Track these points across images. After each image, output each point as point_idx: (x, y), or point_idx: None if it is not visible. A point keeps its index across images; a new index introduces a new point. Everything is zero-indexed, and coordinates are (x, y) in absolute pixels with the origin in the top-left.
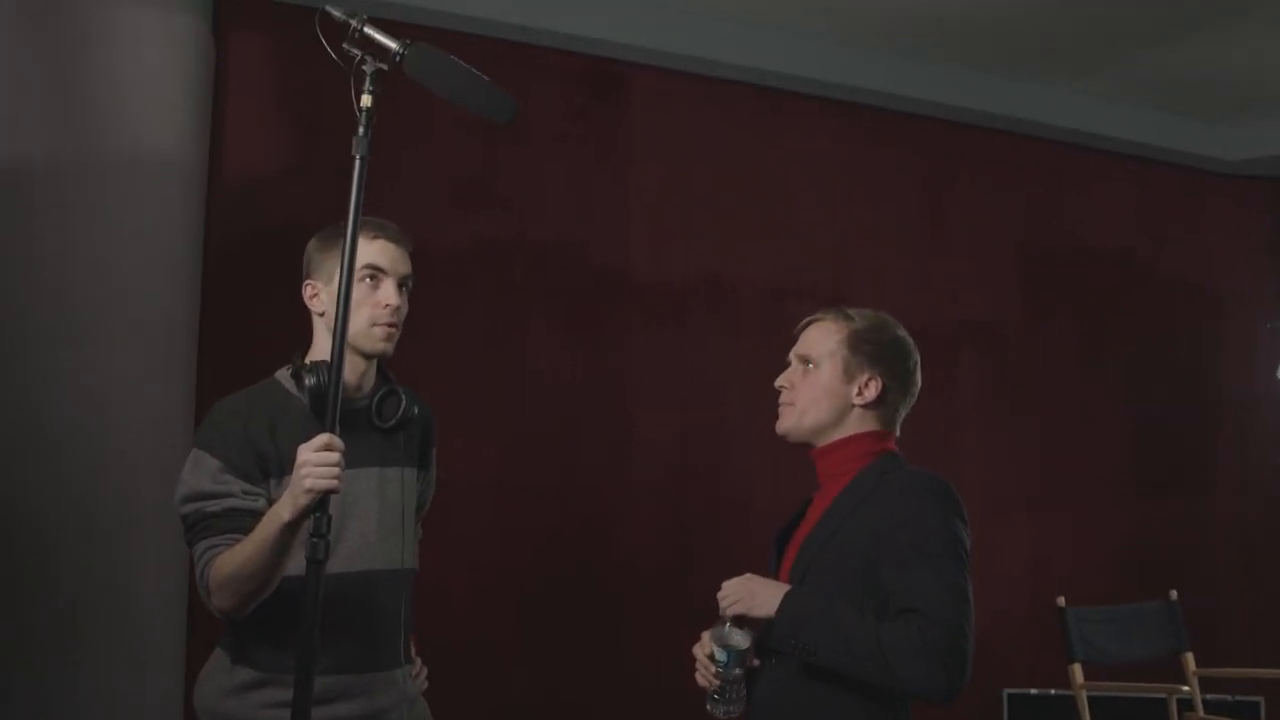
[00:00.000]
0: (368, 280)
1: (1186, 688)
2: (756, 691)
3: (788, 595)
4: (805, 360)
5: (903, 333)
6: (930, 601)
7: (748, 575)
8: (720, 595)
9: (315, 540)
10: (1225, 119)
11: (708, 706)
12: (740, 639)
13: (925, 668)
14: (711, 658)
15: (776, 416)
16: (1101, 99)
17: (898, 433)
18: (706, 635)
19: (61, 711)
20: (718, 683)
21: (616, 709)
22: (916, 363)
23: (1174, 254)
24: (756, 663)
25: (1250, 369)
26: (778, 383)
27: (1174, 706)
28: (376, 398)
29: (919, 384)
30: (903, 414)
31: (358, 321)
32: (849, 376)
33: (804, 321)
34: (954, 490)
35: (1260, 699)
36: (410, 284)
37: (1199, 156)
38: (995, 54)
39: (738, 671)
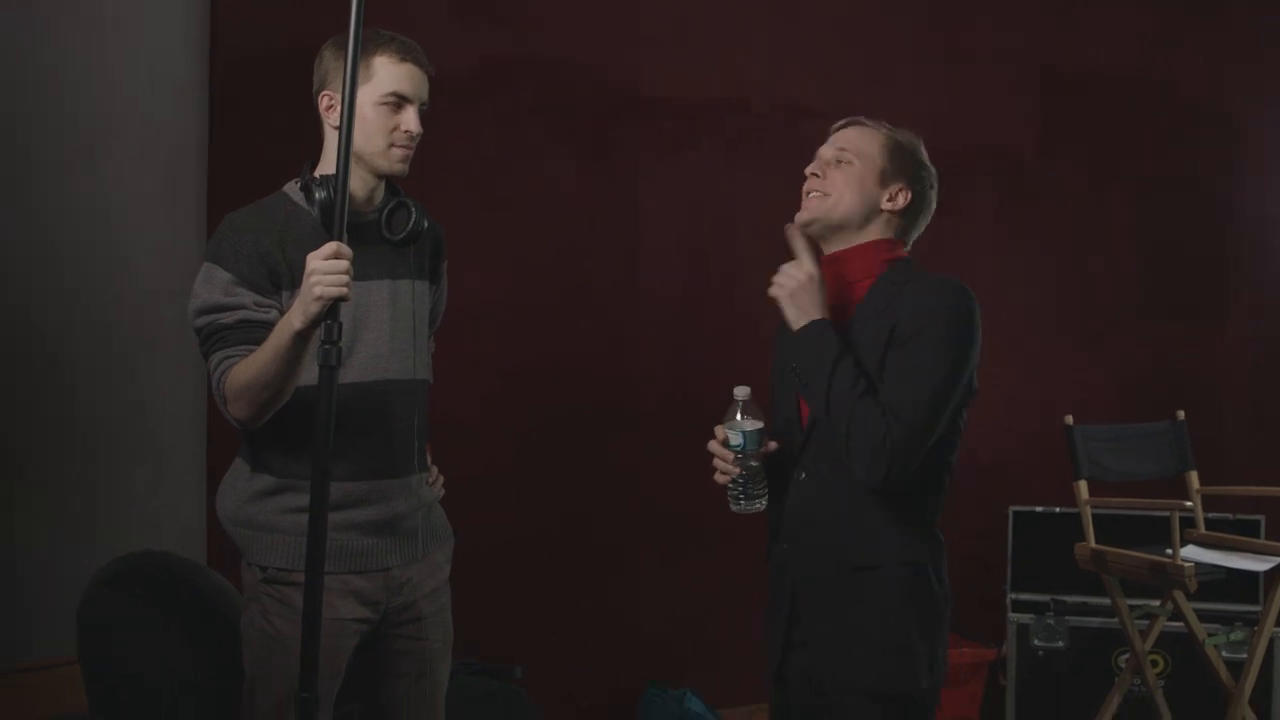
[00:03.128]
0: (391, 105)
1: (1189, 504)
2: (788, 512)
3: (815, 321)
4: (841, 154)
5: (930, 162)
6: (906, 403)
7: (809, 277)
8: (778, 279)
9: (327, 347)
10: None
11: (731, 505)
12: (752, 421)
13: (871, 459)
14: (727, 444)
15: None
16: None
17: (909, 247)
18: (719, 428)
19: (84, 527)
20: (738, 471)
21: (626, 529)
22: (937, 192)
23: (1191, 73)
24: (773, 445)
25: (1265, 192)
26: (810, 169)
27: (1176, 523)
28: (386, 211)
29: (933, 213)
30: (914, 236)
31: (376, 143)
32: (883, 181)
33: (843, 120)
34: (972, 295)
35: (1261, 517)
36: (426, 107)
37: None
38: None
39: (754, 463)
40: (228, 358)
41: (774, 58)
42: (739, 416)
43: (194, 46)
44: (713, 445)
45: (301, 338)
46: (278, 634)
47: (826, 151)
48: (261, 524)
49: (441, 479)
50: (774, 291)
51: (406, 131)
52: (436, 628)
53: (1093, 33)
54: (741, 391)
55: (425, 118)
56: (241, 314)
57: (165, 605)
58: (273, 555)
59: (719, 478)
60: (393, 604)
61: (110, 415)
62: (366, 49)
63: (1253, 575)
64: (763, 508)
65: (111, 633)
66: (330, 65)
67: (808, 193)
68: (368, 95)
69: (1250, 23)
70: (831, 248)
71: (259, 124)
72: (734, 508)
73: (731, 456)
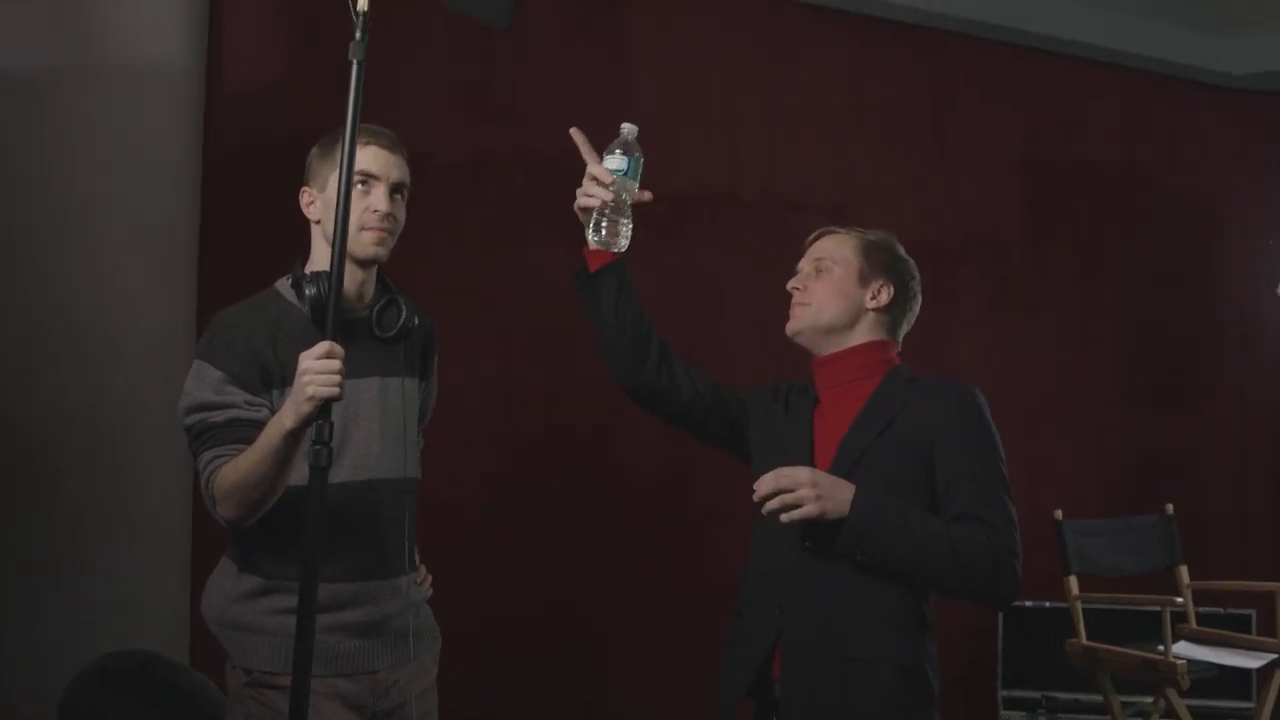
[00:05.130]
0: (359, 185)
1: (1180, 600)
2: (788, 596)
3: (859, 497)
4: (819, 264)
5: (907, 255)
6: (993, 512)
7: (811, 471)
8: (784, 485)
9: (318, 448)
10: (1230, 32)
11: (590, 236)
12: (636, 156)
13: (995, 576)
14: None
15: (778, 325)
16: (1105, 10)
17: (900, 348)
18: (588, 151)
19: (67, 620)
20: (610, 196)
21: (615, 618)
22: (919, 283)
23: (1176, 168)
24: (648, 196)
25: (1249, 284)
26: (791, 284)
27: (1168, 618)
28: (377, 308)
29: (920, 303)
30: (904, 331)
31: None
32: (863, 281)
33: (815, 233)
34: (982, 393)
35: (1251, 612)
36: (405, 191)
37: (1203, 70)
38: None
39: (626, 196)
40: (217, 457)
41: (764, 150)
42: (621, 149)
43: (188, 137)
44: (592, 167)
45: (293, 437)
46: None
47: (805, 264)
48: (248, 625)
49: (430, 579)
50: (802, 513)
51: (376, 211)
52: None
53: (1080, 125)
54: (628, 127)
55: (412, 204)
56: (232, 413)
57: (148, 705)
58: (258, 657)
59: (585, 200)
60: (380, 707)
61: (95, 508)
62: (337, 141)
63: (1245, 671)
64: (621, 249)
65: None
66: (311, 164)
67: (793, 305)
68: (334, 180)
69: (1233, 119)
70: (825, 351)
71: (251, 216)
72: (592, 238)
73: (609, 179)
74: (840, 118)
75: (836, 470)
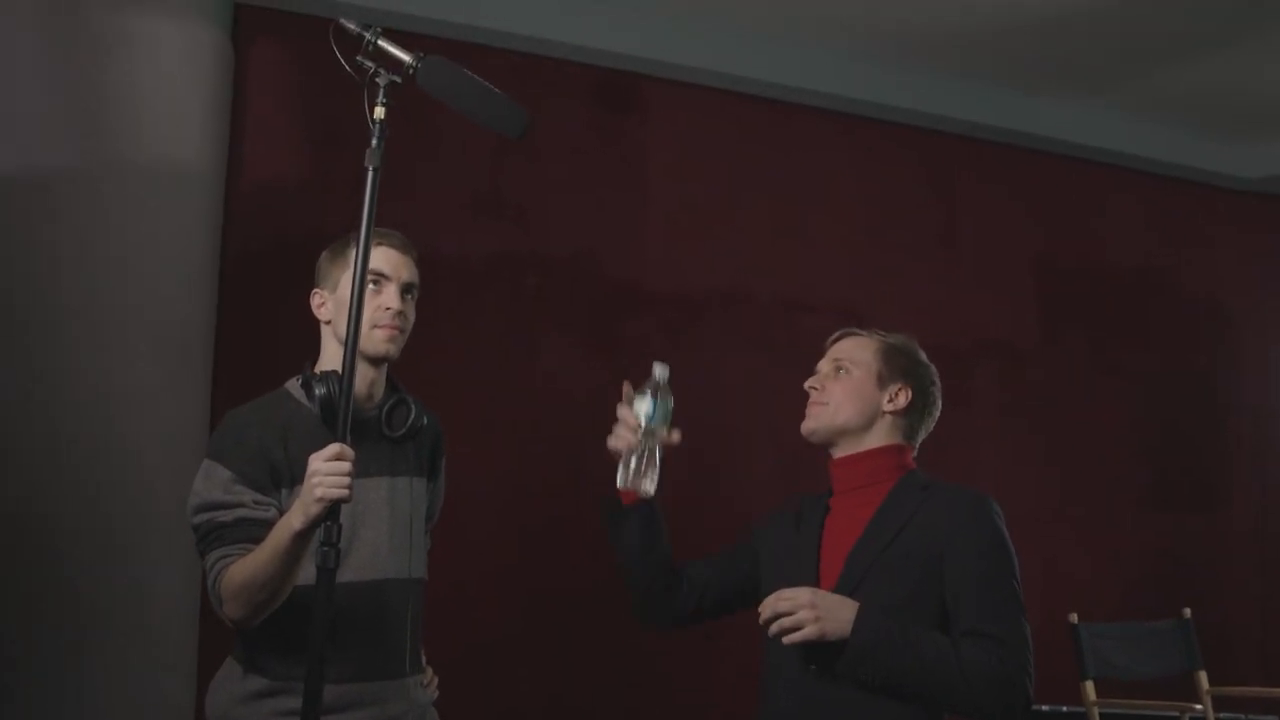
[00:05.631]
0: (371, 285)
1: (1199, 706)
2: (792, 699)
3: (861, 616)
4: (838, 365)
5: (928, 360)
6: (1004, 627)
7: (811, 590)
8: (783, 609)
9: (326, 549)
10: (1242, 137)
11: (618, 478)
12: (665, 398)
13: (1005, 694)
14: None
15: (789, 426)
16: (1117, 115)
17: (916, 452)
18: (629, 389)
19: (73, 716)
20: (637, 440)
21: (624, 717)
22: (939, 389)
23: (1189, 270)
24: (676, 438)
25: (1265, 385)
26: (809, 384)
27: None
28: (386, 407)
29: (939, 409)
30: (922, 436)
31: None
32: (881, 384)
33: (837, 334)
34: (996, 503)
35: (1273, 718)
36: (415, 292)
37: (1215, 174)
38: (1011, 68)
39: (654, 440)
40: (224, 557)
41: (777, 252)
42: (651, 391)
43: (207, 238)
44: (621, 409)
45: (301, 538)
46: None
47: (824, 365)
48: None
49: (436, 680)
50: (804, 635)
51: (388, 309)
52: None
53: (1093, 228)
54: (660, 369)
55: (427, 304)
56: (240, 512)
57: None
58: None
59: (615, 441)
60: None
61: (104, 601)
62: (348, 244)
63: None
64: (650, 491)
65: None
66: (322, 267)
67: (810, 404)
68: (347, 281)
69: (1246, 221)
70: (840, 453)
71: (267, 315)
72: (620, 481)
73: (635, 423)
74: (852, 219)
75: (844, 584)
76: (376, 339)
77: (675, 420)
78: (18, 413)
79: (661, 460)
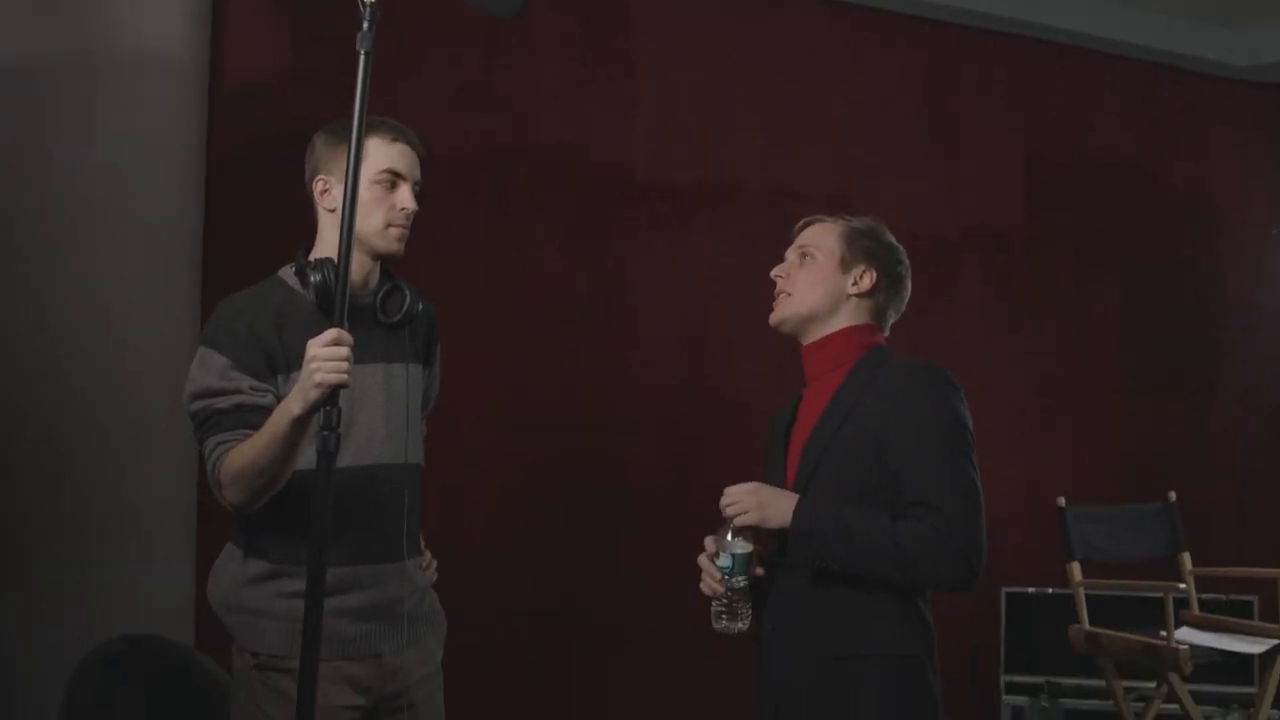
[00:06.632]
0: (386, 183)
1: (1183, 586)
2: (771, 600)
3: (799, 506)
4: (802, 252)
5: (895, 241)
6: (943, 495)
7: (755, 485)
8: (726, 503)
9: (326, 433)
10: (1232, 23)
11: (713, 623)
12: (743, 545)
13: (944, 564)
14: (715, 563)
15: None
16: (1107, 2)
17: (887, 332)
18: (710, 540)
19: (72, 606)
20: (722, 590)
21: (618, 608)
22: (907, 269)
23: (1178, 160)
24: (760, 571)
25: (1253, 275)
26: (774, 272)
27: (1170, 604)
28: (380, 293)
29: (909, 291)
30: (892, 317)
31: (373, 223)
32: (845, 267)
33: (802, 221)
34: (953, 377)
35: (1254, 598)
36: (420, 188)
37: (1206, 61)
38: None
39: (743, 582)
40: (223, 443)
41: (766, 142)
42: (730, 537)
43: (192, 130)
44: (702, 560)
45: (300, 423)
46: None
47: (790, 253)
48: (254, 609)
49: (434, 563)
50: (745, 521)
51: (403, 209)
52: (428, 715)
53: (1081, 119)
54: (733, 542)
55: (419, 200)
56: (237, 399)
57: (154, 689)
58: (265, 641)
59: (704, 589)
60: (385, 690)
61: (100, 495)
62: (348, 130)
63: (1247, 657)
64: (744, 628)
65: (100, 716)
66: (323, 152)
67: (776, 294)
68: (362, 175)
69: (1235, 109)
70: (808, 339)
71: (255, 207)
72: (715, 626)
73: (719, 576)
74: (842, 110)
75: (801, 475)
76: (391, 238)
77: (666, 318)
78: (7, 311)
79: (749, 601)
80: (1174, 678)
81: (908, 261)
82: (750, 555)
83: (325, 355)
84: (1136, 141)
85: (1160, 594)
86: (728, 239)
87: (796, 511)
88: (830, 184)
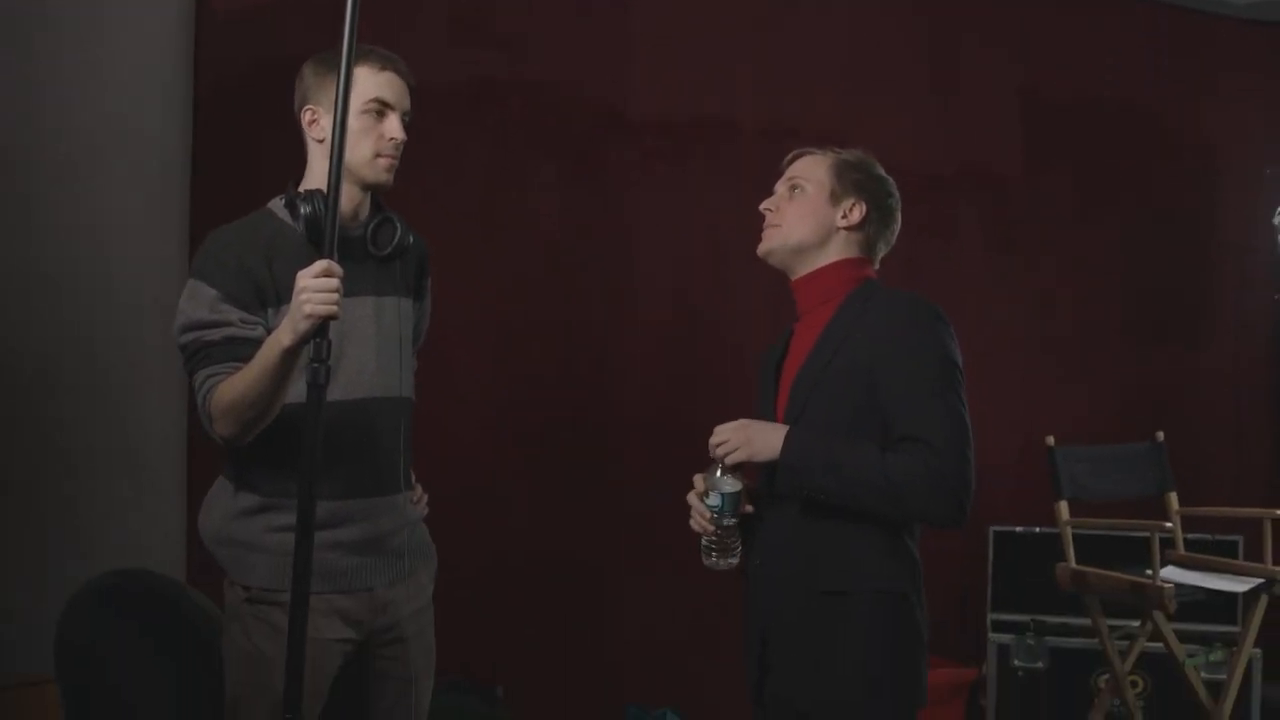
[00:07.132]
0: (374, 113)
1: (1169, 525)
2: (760, 535)
3: (788, 437)
4: (792, 185)
5: (885, 173)
6: (933, 430)
7: (743, 420)
8: (715, 441)
9: (316, 365)
10: None
11: (703, 559)
12: (731, 483)
13: (934, 499)
14: (705, 501)
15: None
16: None
17: (877, 265)
18: (699, 478)
19: (64, 540)
20: (712, 529)
21: (608, 549)
22: (898, 201)
23: (1176, 99)
24: (750, 509)
25: (1248, 216)
26: (763, 205)
27: (1156, 543)
28: (371, 226)
29: (899, 224)
30: (882, 250)
31: (361, 152)
32: (834, 200)
33: (792, 154)
34: (943, 312)
35: (1239, 538)
36: (409, 118)
37: None
38: None
39: (732, 520)
40: (213, 375)
41: (762, 79)
42: (719, 474)
43: (179, 61)
44: (691, 497)
45: (290, 355)
46: (261, 654)
47: (780, 186)
48: (245, 542)
49: (425, 497)
50: (735, 458)
51: (392, 139)
52: (419, 648)
53: (1079, 60)
54: (721, 478)
55: (412, 133)
56: (227, 331)
57: (145, 624)
58: (256, 574)
59: (694, 525)
60: (376, 624)
61: (91, 430)
62: (337, 59)
63: (1231, 596)
64: (734, 564)
65: (91, 651)
66: (311, 81)
67: (765, 226)
68: (350, 104)
69: (1234, 50)
70: (798, 273)
71: (244, 139)
72: (705, 562)
73: (709, 514)
74: (839, 47)
75: (791, 410)
76: (379, 168)
77: (662, 257)
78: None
79: (738, 536)
80: (1158, 616)
81: (898, 194)
82: (739, 494)
83: (315, 286)
84: (1134, 82)
85: (1146, 533)
86: (724, 175)
87: (786, 443)
88: (827, 123)
